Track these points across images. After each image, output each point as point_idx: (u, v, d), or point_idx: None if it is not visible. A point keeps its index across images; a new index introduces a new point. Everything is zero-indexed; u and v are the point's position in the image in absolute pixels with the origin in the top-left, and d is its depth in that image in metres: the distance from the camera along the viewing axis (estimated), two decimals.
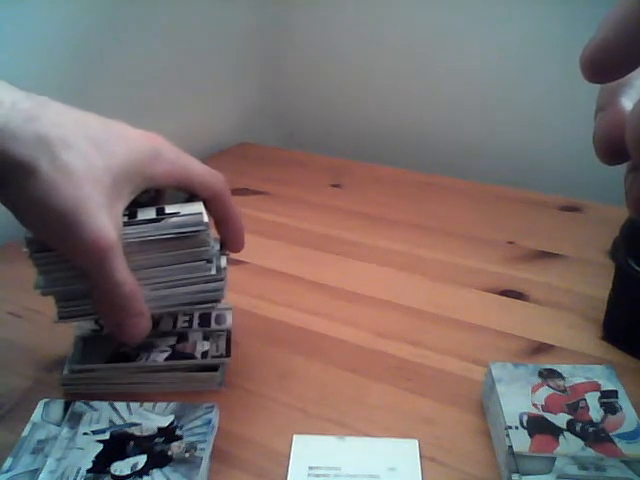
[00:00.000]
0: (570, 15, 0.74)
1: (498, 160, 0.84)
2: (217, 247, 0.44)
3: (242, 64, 0.92)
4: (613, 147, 0.23)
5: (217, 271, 0.42)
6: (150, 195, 0.42)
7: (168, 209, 0.41)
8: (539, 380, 0.41)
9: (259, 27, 0.93)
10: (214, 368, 0.44)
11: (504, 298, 0.55)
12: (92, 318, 0.43)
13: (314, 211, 0.70)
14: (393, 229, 0.66)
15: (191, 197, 0.43)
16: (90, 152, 0.36)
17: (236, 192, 0.75)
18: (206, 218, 0.41)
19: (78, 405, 0.40)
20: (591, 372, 0.42)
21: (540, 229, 0.66)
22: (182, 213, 0.40)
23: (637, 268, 0.45)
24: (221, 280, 0.42)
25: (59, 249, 0.37)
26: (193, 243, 0.40)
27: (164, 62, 0.79)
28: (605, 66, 0.22)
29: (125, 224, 0.39)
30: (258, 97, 0.97)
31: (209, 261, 0.41)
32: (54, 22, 0.65)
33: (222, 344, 0.45)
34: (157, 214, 0.40)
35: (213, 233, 0.43)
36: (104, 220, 0.36)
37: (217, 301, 0.43)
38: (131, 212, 0.40)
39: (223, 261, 0.45)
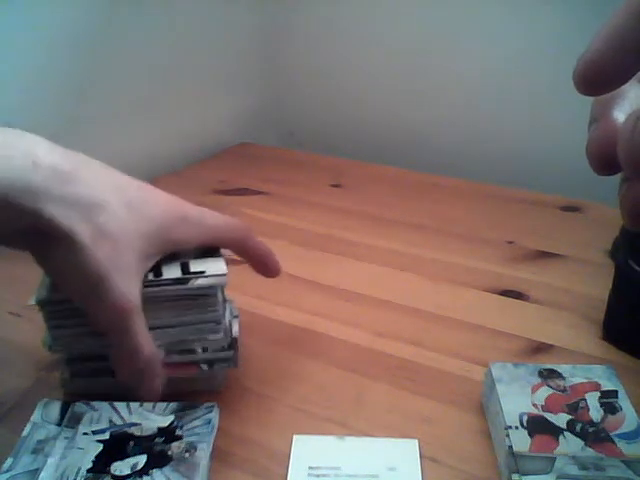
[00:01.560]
0: (570, 15, 0.74)
1: (498, 160, 0.84)
2: (227, 309, 0.44)
3: (242, 64, 0.92)
4: (606, 159, 0.24)
5: (225, 335, 0.42)
6: None
7: (193, 266, 0.41)
8: (539, 380, 0.41)
9: (259, 27, 0.93)
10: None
11: (504, 298, 0.55)
12: (101, 390, 0.42)
13: (314, 211, 0.70)
14: (393, 229, 0.66)
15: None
16: (124, 214, 0.37)
17: (236, 192, 0.75)
18: (227, 279, 0.41)
19: (78, 405, 0.40)
20: (591, 372, 0.42)
21: (540, 229, 0.66)
22: (207, 273, 0.41)
23: (637, 268, 0.45)
24: (229, 349, 0.42)
25: (84, 307, 0.38)
26: (205, 304, 0.41)
27: (164, 62, 0.79)
28: (598, 79, 0.23)
29: (151, 283, 0.39)
30: (258, 97, 0.97)
31: (218, 323, 0.41)
32: (54, 22, 0.65)
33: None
34: (182, 272, 0.41)
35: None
36: (130, 285, 0.37)
37: (225, 362, 0.42)
38: (155, 267, 0.40)
39: (235, 324, 0.45)
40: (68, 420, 0.39)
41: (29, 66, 0.63)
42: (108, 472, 0.35)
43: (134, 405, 0.40)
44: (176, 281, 0.40)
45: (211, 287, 0.40)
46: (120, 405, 0.40)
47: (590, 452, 0.35)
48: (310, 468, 0.37)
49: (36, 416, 0.39)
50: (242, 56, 0.92)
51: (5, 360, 0.47)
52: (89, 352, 0.41)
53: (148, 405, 0.40)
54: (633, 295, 0.46)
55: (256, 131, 0.95)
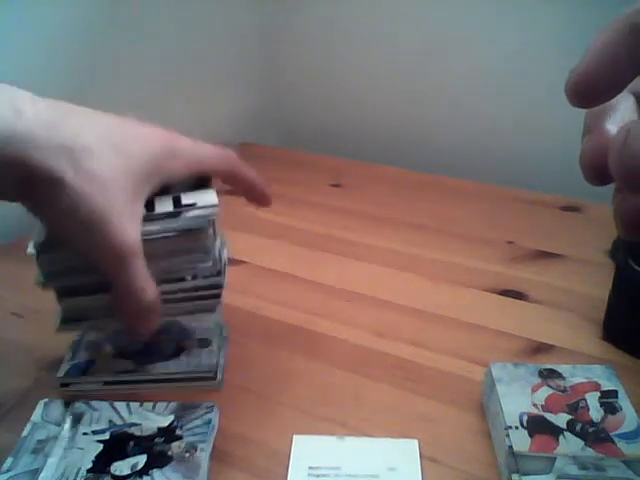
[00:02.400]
0: (570, 15, 0.74)
1: (498, 160, 0.84)
2: (217, 239, 0.44)
3: (242, 64, 0.92)
4: (598, 170, 0.24)
5: (214, 264, 0.42)
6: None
7: (184, 199, 0.41)
8: (539, 380, 0.41)
9: (259, 27, 0.93)
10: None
11: (504, 298, 0.55)
12: (95, 325, 0.42)
13: (314, 211, 0.70)
14: (393, 229, 0.66)
15: (202, 179, 0.43)
16: (111, 157, 0.37)
17: (236, 192, 0.75)
18: (218, 209, 0.41)
19: (78, 405, 0.40)
20: (591, 372, 0.42)
21: (540, 229, 0.66)
22: (199, 204, 0.41)
23: (637, 268, 0.45)
24: (218, 275, 0.42)
25: (84, 252, 0.38)
26: (197, 237, 0.41)
27: (164, 62, 0.79)
28: (590, 92, 0.23)
29: (144, 219, 0.39)
30: (258, 97, 0.97)
31: (207, 253, 0.41)
32: (54, 22, 0.65)
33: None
34: (174, 206, 0.41)
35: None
36: (127, 225, 0.37)
37: (216, 297, 0.43)
38: (148, 201, 0.40)
39: (224, 253, 0.45)
40: (68, 420, 0.39)
41: (28, 66, 0.63)
42: (108, 472, 0.35)
43: (134, 405, 0.40)
44: (168, 215, 0.40)
45: (202, 218, 0.40)
46: (120, 405, 0.40)
47: (590, 452, 0.36)
48: (310, 468, 0.37)
49: (36, 416, 0.40)
50: (242, 56, 0.92)
51: (5, 360, 0.47)
52: (84, 286, 0.40)
53: (148, 405, 0.40)
54: (633, 295, 0.46)
55: (256, 131, 0.95)
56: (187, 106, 0.83)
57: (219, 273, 0.42)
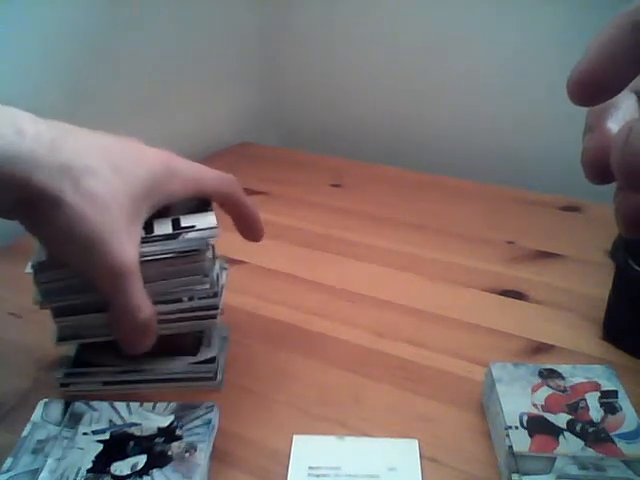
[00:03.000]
0: (570, 16, 0.74)
1: (498, 160, 0.84)
2: (211, 256, 0.44)
3: (242, 64, 0.92)
4: (600, 168, 0.24)
5: (211, 286, 0.42)
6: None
7: (184, 221, 0.41)
8: (539, 380, 0.41)
9: (259, 27, 0.93)
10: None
11: (504, 298, 0.55)
12: (91, 340, 0.42)
13: (314, 211, 0.70)
14: (393, 229, 0.66)
15: (203, 202, 0.44)
16: (111, 176, 0.37)
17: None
18: (218, 232, 0.42)
19: (78, 405, 0.40)
20: (591, 372, 0.42)
21: (540, 229, 0.66)
22: (198, 227, 0.41)
23: (637, 268, 0.45)
24: (215, 296, 0.42)
25: (81, 272, 0.38)
26: (195, 259, 0.41)
27: (164, 62, 0.79)
28: (591, 90, 0.23)
29: (143, 240, 0.39)
30: (258, 97, 0.97)
31: (205, 275, 0.42)
32: (54, 22, 0.65)
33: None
34: (173, 228, 0.41)
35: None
36: (125, 245, 0.37)
37: (212, 318, 0.43)
38: (147, 224, 0.40)
39: (223, 276, 0.45)
40: (68, 420, 0.39)
41: (28, 66, 0.63)
42: (108, 472, 0.35)
43: (134, 405, 0.40)
44: (167, 237, 0.40)
45: (201, 240, 0.41)
46: (120, 405, 0.40)
47: (590, 452, 0.36)
48: (310, 468, 0.37)
49: (36, 416, 0.40)
50: (242, 56, 0.92)
51: (5, 360, 0.47)
52: (80, 306, 0.41)
53: (148, 405, 0.40)
54: (633, 295, 0.46)
55: (256, 131, 0.95)
56: (187, 106, 0.83)
57: (215, 295, 0.43)
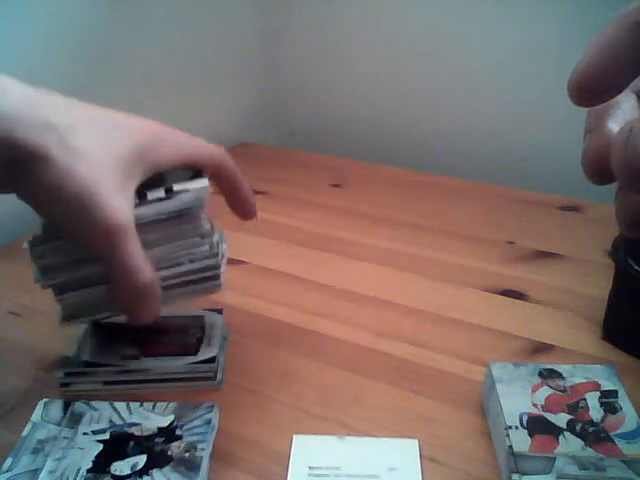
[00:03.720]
0: (570, 16, 0.74)
1: (498, 160, 0.84)
2: (209, 226, 0.44)
3: (242, 64, 0.92)
4: (601, 169, 0.24)
5: (211, 248, 0.42)
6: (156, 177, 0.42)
7: (176, 187, 0.41)
8: (539, 380, 0.41)
9: (259, 27, 0.93)
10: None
11: (504, 298, 0.55)
12: (96, 317, 0.42)
13: (314, 211, 0.70)
14: (393, 229, 0.66)
15: (196, 174, 0.43)
16: (98, 135, 0.37)
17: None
18: (210, 191, 0.42)
19: (78, 405, 0.40)
20: (591, 372, 0.42)
21: (540, 229, 0.66)
22: (191, 189, 0.41)
23: (637, 268, 0.45)
24: (215, 256, 0.42)
25: (74, 233, 0.37)
26: (190, 219, 0.41)
27: (164, 62, 0.79)
28: (592, 90, 0.23)
29: (136, 205, 0.39)
30: (258, 97, 0.97)
31: (203, 237, 0.42)
32: (55, 22, 0.65)
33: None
34: (166, 193, 0.41)
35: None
36: (118, 202, 0.36)
37: (215, 279, 0.43)
38: (141, 194, 0.40)
39: (223, 246, 0.45)
40: (68, 420, 0.39)
41: (28, 66, 0.63)
42: (108, 472, 0.35)
43: (134, 405, 0.40)
44: (160, 199, 0.40)
45: (194, 200, 0.40)
46: (120, 405, 0.40)
47: (590, 452, 0.35)
48: (310, 468, 0.37)
49: (36, 416, 0.40)
50: (242, 56, 0.92)
51: (5, 360, 0.47)
52: (81, 283, 0.40)
53: (148, 405, 0.40)
54: (633, 295, 0.46)
55: (256, 131, 0.95)
56: (187, 106, 0.83)
57: (216, 255, 0.42)
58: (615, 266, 0.48)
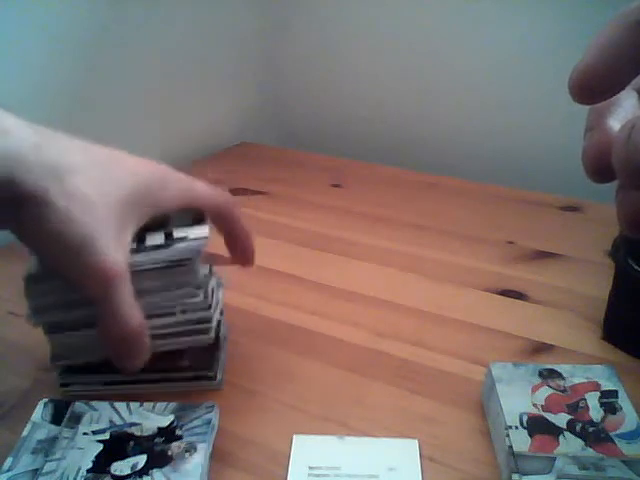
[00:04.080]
0: (569, 16, 0.74)
1: (498, 160, 0.84)
2: (206, 272, 0.43)
3: (242, 64, 0.93)
4: (601, 167, 0.24)
5: (205, 299, 0.41)
6: (159, 217, 0.42)
7: (176, 233, 0.41)
8: (539, 380, 0.41)
9: (259, 27, 0.93)
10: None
11: (504, 298, 0.55)
12: (85, 360, 0.42)
13: (314, 211, 0.70)
14: (393, 229, 0.66)
15: (199, 217, 0.43)
16: (98, 180, 0.37)
17: (236, 192, 0.75)
18: (207, 242, 0.41)
19: (78, 405, 0.40)
20: (591, 372, 0.42)
21: (540, 229, 0.66)
22: (190, 237, 0.41)
23: (637, 268, 0.45)
24: (208, 309, 0.42)
25: (68, 276, 0.37)
26: (186, 270, 0.40)
27: (164, 62, 0.79)
28: (592, 89, 0.23)
29: (133, 251, 0.39)
30: (258, 97, 0.97)
31: (198, 288, 0.41)
32: (55, 23, 0.65)
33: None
34: (165, 239, 0.41)
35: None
36: (114, 249, 0.36)
37: (205, 332, 0.42)
38: (140, 237, 0.40)
39: (220, 293, 0.45)
40: (68, 420, 0.39)
41: (29, 66, 0.63)
42: (108, 472, 0.35)
43: (134, 405, 0.40)
44: (157, 247, 0.40)
45: (191, 251, 0.40)
46: (120, 405, 0.40)
47: (590, 452, 0.35)
48: (310, 468, 0.37)
49: (36, 416, 0.40)
50: (242, 56, 0.92)
51: (5, 360, 0.47)
52: (71, 322, 0.40)
53: (148, 405, 0.40)
54: (633, 295, 0.46)
55: (256, 131, 0.95)
56: (187, 106, 0.83)
57: (209, 307, 0.42)
58: (615, 266, 0.48)
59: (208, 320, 0.42)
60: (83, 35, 0.69)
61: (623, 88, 0.23)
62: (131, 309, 0.37)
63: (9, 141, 0.34)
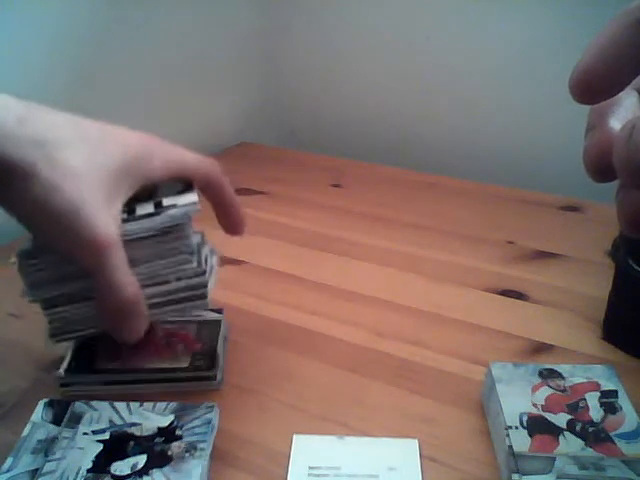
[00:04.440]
0: (570, 17, 0.74)
1: (498, 160, 0.84)
2: (199, 240, 0.43)
3: (242, 64, 0.92)
4: (602, 166, 0.24)
5: (199, 265, 0.42)
6: (147, 187, 0.42)
7: (165, 202, 0.41)
8: (539, 380, 0.41)
9: (259, 27, 0.93)
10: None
11: (504, 298, 0.55)
12: (84, 334, 0.42)
13: (314, 211, 0.70)
14: (393, 229, 0.66)
15: (187, 186, 0.43)
16: (86, 152, 0.37)
17: (236, 192, 0.75)
18: (198, 207, 0.41)
19: (78, 405, 0.40)
20: (591, 372, 0.42)
21: (540, 229, 0.66)
22: (179, 204, 0.41)
23: (637, 268, 0.45)
24: (203, 274, 0.42)
25: (60, 247, 0.37)
26: (178, 236, 0.40)
27: (164, 62, 0.79)
28: (593, 89, 0.23)
29: (124, 220, 0.39)
30: (258, 97, 0.97)
31: (191, 254, 0.41)
32: (55, 23, 0.65)
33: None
34: (155, 208, 0.41)
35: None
36: (104, 218, 0.36)
37: (202, 298, 0.42)
38: (130, 208, 0.40)
39: (213, 259, 0.45)
40: (68, 420, 0.39)
41: (29, 66, 0.63)
42: (108, 472, 0.35)
43: (134, 405, 0.40)
44: (148, 215, 0.40)
45: (181, 217, 0.40)
46: (120, 405, 0.40)
47: (590, 452, 0.35)
48: (310, 468, 0.37)
49: (36, 416, 0.40)
50: (242, 56, 0.92)
51: (5, 360, 0.47)
52: (68, 296, 0.40)
53: (148, 405, 0.40)
54: (633, 295, 0.46)
55: (256, 131, 0.95)
56: (187, 106, 0.83)
57: (204, 273, 0.42)
58: (615, 266, 0.48)
59: (204, 285, 0.42)
60: (83, 35, 0.69)
61: (623, 88, 0.23)
62: (125, 277, 0.37)
63: None
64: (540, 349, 0.48)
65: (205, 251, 0.44)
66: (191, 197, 0.41)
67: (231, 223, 0.45)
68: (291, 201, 0.73)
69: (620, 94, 0.24)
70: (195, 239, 0.42)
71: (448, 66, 0.84)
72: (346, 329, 0.50)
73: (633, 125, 0.21)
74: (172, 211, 0.40)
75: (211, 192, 0.44)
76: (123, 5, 0.72)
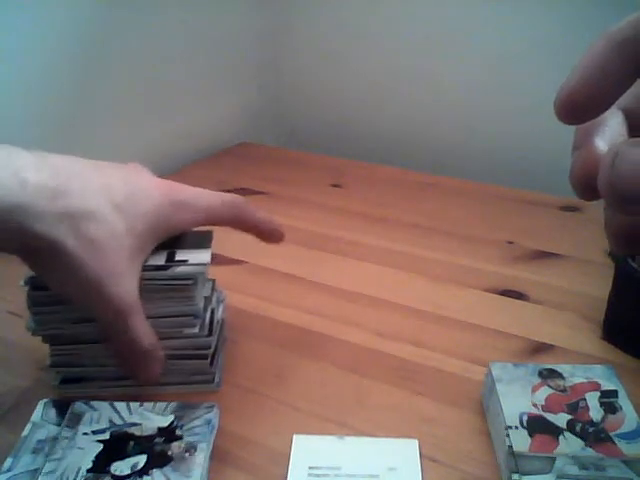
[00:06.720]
0: (570, 17, 0.74)
1: (498, 160, 0.84)
2: (208, 293, 0.43)
3: (242, 64, 0.92)
4: (588, 187, 0.24)
5: (201, 329, 0.41)
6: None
7: (178, 255, 0.41)
8: (539, 380, 0.41)
9: (259, 27, 0.93)
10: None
11: (504, 298, 0.55)
12: (87, 371, 0.42)
13: (314, 211, 0.70)
14: (393, 229, 0.66)
15: (206, 237, 0.44)
16: (113, 219, 0.37)
17: (236, 192, 0.75)
18: (207, 269, 0.41)
19: (78, 405, 0.40)
20: (591, 372, 0.42)
21: (540, 229, 0.66)
22: (190, 262, 0.41)
23: (637, 268, 0.45)
24: (207, 336, 0.42)
25: (83, 307, 0.39)
26: (181, 295, 0.40)
27: (164, 62, 0.79)
28: (578, 110, 0.23)
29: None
30: (258, 97, 0.97)
31: (196, 317, 0.41)
32: (55, 23, 0.65)
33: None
34: (166, 260, 0.41)
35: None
36: (127, 285, 0.38)
37: (204, 358, 0.42)
38: None
39: (220, 309, 0.45)
40: (68, 420, 0.39)
41: (30, 66, 0.63)
42: (108, 472, 0.35)
43: (134, 405, 0.40)
44: (157, 268, 0.40)
45: (190, 276, 0.40)
46: (120, 405, 0.40)
47: (590, 452, 0.36)
48: (310, 468, 0.37)
49: (36, 416, 0.40)
50: (242, 56, 0.92)
51: (5, 360, 0.47)
52: (71, 338, 0.41)
53: (148, 405, 0.40)
54: (633, 295, 0.46)
55: (256, 131, 0.95)
56: (187, 106, 0.83)
57: (210, 334, 0.42)
58: (615, 266, 0.48)
59: (207, 347, 0.42)
60: (83, 35, 0.69)
61: (608, 108, 0.24)
62: (142, 331, 0.39)
63: (26, 192, 0.34)
64: (540, 349, 0.48)
65: (213, 302, 0.44)
66: (204, 256, 0.41)
67: (267, 237, 0.47)
68: (291, 201, 0.73)
69: (605, 113, 0.24)
70: (204, 291, 0.42)
71: (448, 66, 0.84)
72: (346, 329, 0.50)
73: (616, 152, 0.21)
74: (180, 269, 0.40)
75: (241, 227, 0.45)
76: (123, 6, 0.72)
